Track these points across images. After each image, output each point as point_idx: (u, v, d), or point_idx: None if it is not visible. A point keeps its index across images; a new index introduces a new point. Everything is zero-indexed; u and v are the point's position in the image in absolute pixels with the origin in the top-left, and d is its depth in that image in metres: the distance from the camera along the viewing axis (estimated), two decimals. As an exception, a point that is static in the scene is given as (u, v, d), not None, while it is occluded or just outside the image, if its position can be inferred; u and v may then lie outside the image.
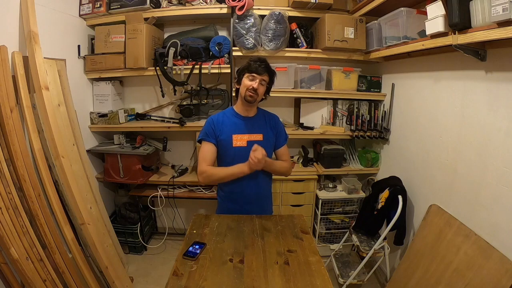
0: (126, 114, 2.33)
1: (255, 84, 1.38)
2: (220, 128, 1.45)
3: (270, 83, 1.46)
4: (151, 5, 2.08)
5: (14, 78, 1.50)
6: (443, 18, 1.25)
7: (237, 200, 1.50)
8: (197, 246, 1.10)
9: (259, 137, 1.48)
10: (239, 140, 1.45)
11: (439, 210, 1.57)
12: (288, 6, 2.09)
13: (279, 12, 1.97)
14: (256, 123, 1.50)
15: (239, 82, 1.46)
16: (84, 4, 2.12)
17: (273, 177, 2.25)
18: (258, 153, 1.32)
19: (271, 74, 1.44)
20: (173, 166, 2.53)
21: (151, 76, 2.19)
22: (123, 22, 2.08)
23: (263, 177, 1.53)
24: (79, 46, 2.13)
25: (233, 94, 1.51)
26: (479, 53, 1.27)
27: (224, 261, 1.07)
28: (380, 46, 1.93)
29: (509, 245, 1.17)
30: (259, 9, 2.07)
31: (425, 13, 1.37)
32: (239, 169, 1.38)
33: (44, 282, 1.45)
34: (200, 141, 1.48)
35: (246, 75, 1.41)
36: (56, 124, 1.61)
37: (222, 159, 1.49)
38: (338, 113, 2.36)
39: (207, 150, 1.44)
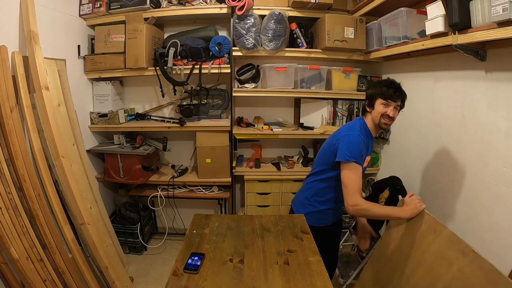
0: (126, 114, 2.33)
1: (390, 112, 1.35)
2: (364, 147, 1.37)
3: (402, 106, 1.41)
4: (151, 5, 2.08)
5: (14, 78, 1.50)
6: (443, 18, 1.25)
7: (340, 207, 1.58)
8: (196, 258, 1.07)
9: (368, 158, 1.46)
10: (366, 161, 1.42)
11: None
12: (288, 6, 2.09)
13: (279, 12, 1.97)
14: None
15: (371, 105, 1.41)
16: (84, 4, 2.12)
17: (275, 177, 2.28)
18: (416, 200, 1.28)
19: (404, 98, 1.39)
20: (173, 166, 2.53)
21: (151, 76, 2.19)
22: (123, 22, 2.08)
23: None
24: (79, 46, 2.13)
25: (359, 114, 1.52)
26: (479, 53, 1.27)
27: (224, 261, 1.07)
28: (380, 46, 1.93)
29: (509, 245, 1.17)
30: (259, 9, 2.07)
31: (425, 13, 1.36)
32: (397, 214, 1.30)
33: (44, 282, 1.45)
34: (349, 162, 1.31)
35: (380, 101, 1.36)
36: (56, 124, 1.61)
37: None
38: (338, 113, 2.36)
39: (359, 176, 1.32)
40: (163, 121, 2.32)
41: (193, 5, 2.11)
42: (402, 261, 1.34)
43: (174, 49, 2.10)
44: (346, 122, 2.36)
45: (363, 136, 1.38)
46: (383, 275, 1.47)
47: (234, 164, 2.29)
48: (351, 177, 1.30)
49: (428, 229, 1.26)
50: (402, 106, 1.41)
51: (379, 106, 1.37)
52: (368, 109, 1.45)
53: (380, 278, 1.48)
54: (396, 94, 1.35)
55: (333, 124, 2.36)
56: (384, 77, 2.24)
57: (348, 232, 2.08)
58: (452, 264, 1.12)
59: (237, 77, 2.21)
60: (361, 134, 1.38)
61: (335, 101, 2.34)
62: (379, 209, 1.33)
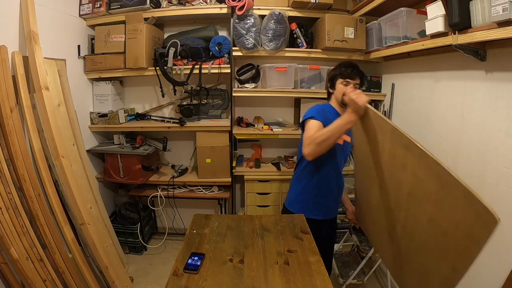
0: (126, 114, 2.33)
1: (350, 90, 1.41)
2: (327, 118, 1.39)
3: (361, 85, 1.49)
4: (151, 5, 2.08)
5: (14, 78, 1.50)
6: (443, 18, 1.25)
7: (325, 194, 1.55)
8: (196, 258, 1.07)
9: (348, 138, 1.50)
10: (344, 139, 1.48)
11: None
12: (288, 6, 2.09)
13: (279, 12, 1.97)
14: None
15: (332, 86, 1.51)
16: (84, 4, 2.12)
17: (275, 177, 2.28)
18: (357, 92, 1.20)
19: (362, 76, 1.48)
20: (173, 166, 2.53)
21: (151, 76, 2.19)
22: (123, 22, 2.08)
23: (342, 176, 1.60)
24: (79, 46, 2.14)
25: (327, 97, 1.62)
26: (479, 53, 1.27)
27: (224, 261, 1.07)
28: (380, 46, 1.93)
29: (509, 245, 1.17)
30: (259, 9, 2.07)
31: (425, 13, 1.36)
32: (344, 120, 1.20)
33: (44, 282, 1.45)
34: (306, 120, 1.39)
35: (340, 80, 1.46)
36: (56, 124, 1.61)
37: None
38: (338, 113, 2.36)
39: (316, 125, 1.34)
40: (163, 121, 2.32)
41: (193, 5, 2.11)
42: (373, 167, 1.29)
43: (174, 49, 2.10)
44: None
45: (323, 108, 1.48)
46: (362, 185, 1.52)
47: (234, 164, 2.29)
48: (306, 133, 1.36)
49: (376, 127, 1.16)
50: (361, 85, 1.49)
51: (340, 85, 1.47)
52: (330, 91, 1.54)
53: (363, 187, 1.53)
54: (354, 73, 1.44)
55: (333, 124, 2.36)
56: (385, 77, 2.25)
57: (348, 232, 2.08)
58: (405, 166, 1.05)
59: (237, 77, 2.21)
60: (323, 106, 1.50)
61: (335, 101, 2.34)
62: (327, 128, 1.25)
